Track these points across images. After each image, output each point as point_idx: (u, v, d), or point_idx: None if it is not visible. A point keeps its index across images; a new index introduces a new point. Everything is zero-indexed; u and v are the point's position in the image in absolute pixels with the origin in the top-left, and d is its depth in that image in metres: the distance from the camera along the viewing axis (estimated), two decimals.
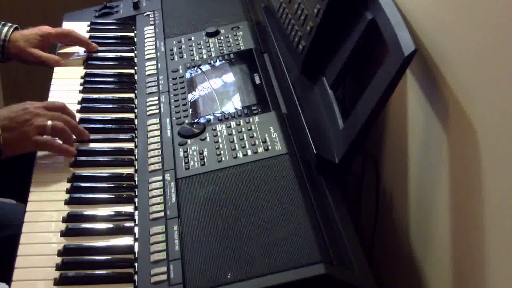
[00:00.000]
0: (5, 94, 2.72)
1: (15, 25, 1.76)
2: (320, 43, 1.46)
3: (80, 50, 1.79)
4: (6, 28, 1.74)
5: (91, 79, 1.69)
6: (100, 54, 1.78)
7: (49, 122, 1.41)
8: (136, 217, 1.31)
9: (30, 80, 2.59)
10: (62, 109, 1.47)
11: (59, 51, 1.78)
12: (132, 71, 1.73)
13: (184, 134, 1.44)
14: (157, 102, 1.58)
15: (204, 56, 1.68)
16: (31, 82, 2.58)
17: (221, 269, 1.14)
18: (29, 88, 2.52)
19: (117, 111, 1.59)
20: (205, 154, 1.37)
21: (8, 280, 1.20)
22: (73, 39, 1.78)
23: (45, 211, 1.32)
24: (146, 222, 1.28)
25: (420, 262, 1.33)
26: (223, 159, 1.35)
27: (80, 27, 1.88)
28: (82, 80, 1.68)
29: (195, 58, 1.68)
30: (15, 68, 2.59)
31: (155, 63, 1.72)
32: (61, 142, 1.44)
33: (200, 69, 1.64)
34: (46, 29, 1.77)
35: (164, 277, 1.17)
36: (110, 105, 1.61)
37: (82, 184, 1.38)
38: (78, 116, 1.55)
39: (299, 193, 1.24)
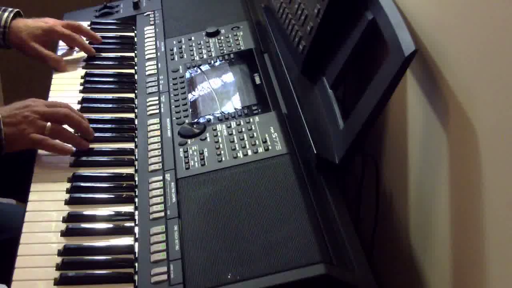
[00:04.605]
0: (5, 91, 2.72)
1: (16, 10, 1.70)
2: (320, 43, 1.46)
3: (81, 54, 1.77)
4: (6, 14, 1.68)
5: (91, 79, 1.68)
6: (100, 54, 1.78)
7: (48, 124, 1.42)
8: (136, 217, 1.31)
9: (31, 77, 2.59)
10: (66, 116, 1.45)
11: (60, 47, 1.76)
12: (132, 71, 1.73)
13: (184, 134, 1.44)
14: (157, 102, 1.58)
15: (204, 56, 1.68)
16: (31, 79, 2.57)
17: (221, 269, 1.14)
18: (29, 85, 2.52)
19: (117, 111, 1.59)
20: (205, 154, 1.37)
21: (7, 281, 1.20)
22: (82, 32, 1.75)
23: (45, 211, 1.32)
24: (146, 222, 1.28)
25: (420, 262, 1.33)
26: (223, 159, 1.35)
27: None
28: (82, 80, 1.68)
29: (195, 58, 1.68)
30: (16, 64, 2.59)
31: (155, 63, 1.72)
32: (56, 141, 1.43)
33: (200, 69, 1.64)
34: (52, 22, 1.73)
35: (164, 277, 1.17)
36: (110, 105, 1.61)
37: (82, 184, 1.38)
38: None
39: (299, 193, 1.24)
